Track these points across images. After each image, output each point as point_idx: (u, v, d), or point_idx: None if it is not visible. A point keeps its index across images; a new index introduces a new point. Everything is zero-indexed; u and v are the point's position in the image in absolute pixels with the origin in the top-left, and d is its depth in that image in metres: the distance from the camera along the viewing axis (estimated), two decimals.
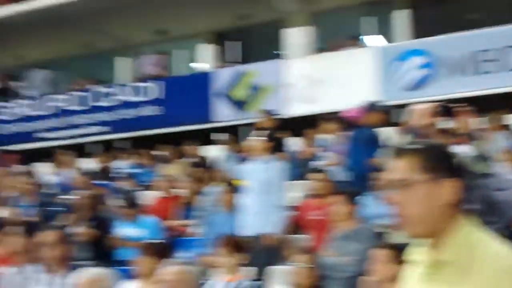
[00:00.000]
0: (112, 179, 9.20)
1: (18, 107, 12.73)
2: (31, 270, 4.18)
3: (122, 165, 9.93)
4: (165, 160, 9.49)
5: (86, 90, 12.17)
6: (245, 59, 11.84)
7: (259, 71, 10.83)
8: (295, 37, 11.54)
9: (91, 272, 3.41)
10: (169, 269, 2.87)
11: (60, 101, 12.30)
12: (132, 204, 6.88)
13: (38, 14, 12.68)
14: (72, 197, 7.46)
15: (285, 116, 9.93)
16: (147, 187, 8.65)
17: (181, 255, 5.96)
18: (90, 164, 10.21)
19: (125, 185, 8.75)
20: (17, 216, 6.68)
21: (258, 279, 4.56)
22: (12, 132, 12.64)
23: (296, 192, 6.61)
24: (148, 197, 8.04)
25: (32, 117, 12.49)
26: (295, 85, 10.39)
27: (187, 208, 7.28)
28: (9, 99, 13.10)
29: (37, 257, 4.12)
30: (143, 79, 12.02)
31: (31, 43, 13.79)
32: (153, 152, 10.07)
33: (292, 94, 10.38)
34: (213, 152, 9.77)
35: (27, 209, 7.25)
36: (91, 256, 6.25)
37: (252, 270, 4.79)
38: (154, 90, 11.53)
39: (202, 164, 8.14)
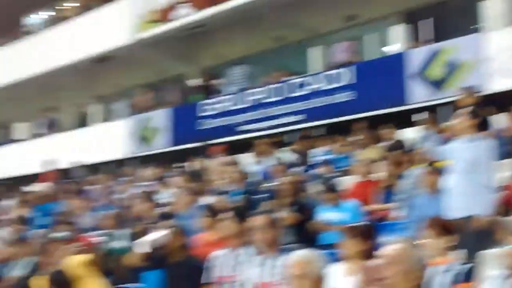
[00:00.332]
0: (310, 166, 9.40)
1: (220, 103, 13.52)
2: (244, 252, 4.40)
3: (319, 152, 10.09)
4: (362, 145, 9.45)
5: (281, 82, 12.56)
6: (439, 37, 11.32)
7: (455, 47, 10.29)
8: (494, 8, 10.76)
9: (301, 254, 3.48)
10: (391, 247, 2.82)
11: (258, 94, 12.83)
12: (331, 189, 6.98)
13: (233, 14, 13.39)
14: (274, 184, 7.77)
15: (487, 92, 9.33)
16: (345, 173, 8.69)
17: (386, 238, 5.90)
18: (289, 152, 10.52)
19: (322, 171, 8.89)
20: (226, 203, 7.11)
21: (469, 263, 4.33)
22: (215, 126, 13.49)
23: (505, 171, 6.18)
24: (347, 182, 8.08)
25: (233, 111, 13.16)
26: (496, 58, 9.71)
27: (387, 192, 7.19)
28: (212, 96, 14.00)
29: (249, 241, 4.34)
30: (335, 67, 12.07)
31: (229, 42, 14.60)
32: (349, 138, 10.08)
33: (494, 68, 9.71)
34: (410, 134, 9.51)
35: (235, 196, 7.69)
36: (296, 240, 6.46)
37: (462, 253, 4.58)
38: (347, 76, 11.52)
39: (400, 146, 7.96)
